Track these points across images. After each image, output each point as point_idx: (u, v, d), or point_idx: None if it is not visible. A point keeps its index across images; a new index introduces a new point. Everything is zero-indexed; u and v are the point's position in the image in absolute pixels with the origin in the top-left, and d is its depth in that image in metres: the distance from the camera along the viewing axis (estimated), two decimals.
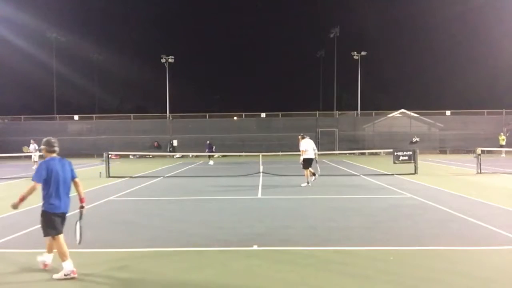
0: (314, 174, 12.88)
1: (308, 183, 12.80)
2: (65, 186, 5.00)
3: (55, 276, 4.77)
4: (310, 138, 13.35)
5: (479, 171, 15.97)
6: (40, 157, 20.83)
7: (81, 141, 33.67)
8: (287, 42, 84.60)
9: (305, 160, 12.71)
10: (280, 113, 35.04)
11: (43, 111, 41.48)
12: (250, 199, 10.43)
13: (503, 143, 28.01)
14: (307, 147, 12.77)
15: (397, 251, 5.68)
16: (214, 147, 26.16)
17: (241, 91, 74.74)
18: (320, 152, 13.72)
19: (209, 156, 24.83)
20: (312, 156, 12.81)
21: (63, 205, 4.96)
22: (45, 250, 5.27)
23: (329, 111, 43.23)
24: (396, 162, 16.69)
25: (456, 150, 30.49)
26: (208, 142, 25.66)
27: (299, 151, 27.79)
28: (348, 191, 11.60)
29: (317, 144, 31.08)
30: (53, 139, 5.24)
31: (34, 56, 49.00)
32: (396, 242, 6.16)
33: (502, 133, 28.85)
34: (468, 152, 29.57)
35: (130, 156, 31.37)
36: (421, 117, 33.99)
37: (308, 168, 12.76)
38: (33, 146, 24.04)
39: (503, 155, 27.70)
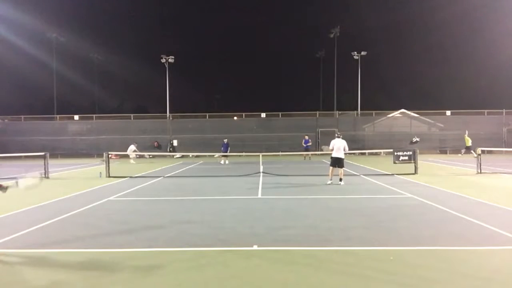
0: (340, 179, 13.10)
1: (329, 181, 13.10)
2: None
3: None
4: (332, 138, 13.82)
5: (479, 171, 15.97)
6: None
7: (81, 141, 33.66)
8: (287, 42, 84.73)
9: (331, 158, 13.35)
10: (280, 113, 35.03)
11: (43, 111, 41.53)
12: (250, 199, 10.43)
13: (469, 144, 27.55)
14: (333, 145, 13.30)
15: (397, 251, 5.68)
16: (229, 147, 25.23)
17: (241, 91, 74.87)
18: (320, 153, 13.83)
19: (224, 156, 24.70)
20: (337, 155, 13.11)
21: None
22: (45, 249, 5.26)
23: (329, 111, 43.24)
24: (396, 162, 16.68)
25: (456, 150, 30.45)
26: (225, 141, 25.04)
27: (299, 151, 27.88)
28: (348, 191, 11.59)
29: (317, 144, 31.36)
30: None
31: (34, 56, 49.04)
32: (396, 242, 6.15)
33: (466, 133, 28.26)
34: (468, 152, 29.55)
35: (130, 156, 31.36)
36: (421, 117, 33.98)
37: (333, 166, 13.19)
38: (133, 146, 26.37)
39: (464, 154, 27.58)
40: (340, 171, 13.12)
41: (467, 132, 27.97)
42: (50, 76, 45.98)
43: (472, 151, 27.43)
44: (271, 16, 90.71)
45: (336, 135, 13.72)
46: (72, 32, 52.55)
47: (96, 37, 62.54)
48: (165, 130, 33.95)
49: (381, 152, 30.48)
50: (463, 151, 28.14)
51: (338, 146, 13.12)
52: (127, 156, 27.74)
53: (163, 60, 38.17)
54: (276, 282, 4.58)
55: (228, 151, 24.84)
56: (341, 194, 11.11)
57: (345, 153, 13.30)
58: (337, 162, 13.13)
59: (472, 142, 27.41)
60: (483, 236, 6.46)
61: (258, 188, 12.52)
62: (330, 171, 13.25)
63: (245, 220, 7.92)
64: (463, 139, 28.76)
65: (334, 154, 13.17)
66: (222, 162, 24.31)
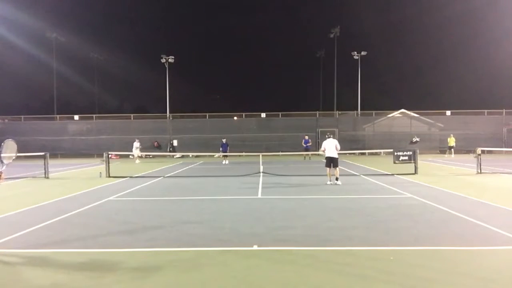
0: (336, 179, 13.08)
1: (328, 182, 13.12)
2: None
3: None
4: (323, 137, 13.84)
5: (479, 171, 15.97)
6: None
7: (81, 141, 33.66)
8: (287, 42, 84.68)
9: (325, 158, 13.36)
10: (280, 113, 35.02)
11: (43, 111, 41.52)
12: (250, 199, 10.43)
13: (453, 144, 28.70)
14: (324, 146, 13.30)
15: (397, 251, 5.68)
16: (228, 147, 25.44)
17: (241, 91, 74.91)
18: (320, 152, 13.84)
19: (224, 156, 24.84)
20: (330, 155, 13.12)
21: None
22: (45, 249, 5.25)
23: (329, 111, 43.23)
24: (396, 162, 16.68)
25: (456, 150, 30.51)
26: (224, 140, 25.20)
27: (299, 151, 28.07)
28: (348, 191, 11.59)
29: (317, 144, 31.34)
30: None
31: (34, 56, 49.13)
32: (396, 242, 6.15)
33: (452, 135, 29.19)
34: (468, 152, 29.61)
35: (130, 156, 31.34)
36: (421, 117, 33.97)
37: (328, 167, 13.20)
38: (137, 143, 26.77)
39: (452, 155, 28.61)
40: (336, 170, 13.12)
41: (451, 135, 29.14)
42: (50, 76, 46.01)
43: (450, 150, 28.64)
44: (271, 16, 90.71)
45: (327, 135, 13.76)
46: (72, 32, 52.63)
47: (96, 37, 62.65)
48: (165, 130, 33.95)
49: (381, 152, 30.49)
50: (448, 152, 28.97)
51: (330, 146, 13.17)
52: (127, 156, 27.78)
53: (163, 60, 38.17)
54: (276, 282, 4.58)
55: (228, 151, 24.94)
56: (341, 194, 11.11)
57: (338, 152, 13.29)
58: (331, 162, 13.14)
59: (470, 142, 27.98)
60: (483, 236, 6.46)
61: (258, 188, 12.51)
62: (327, 171, 13.27)
63: (245, 220, 7.92)
64: (463, 140, 28.91)
65: (327, 154, 13.22)
66: (224, 162, 24.44)
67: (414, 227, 7.08)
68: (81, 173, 18.87)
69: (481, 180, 14.05)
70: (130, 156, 31.22)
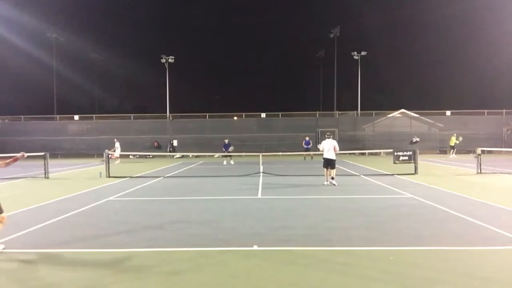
0: (332, 178, 12.94)
1: (325, 182, 13.05)
2: None
3: None
4: (323, 138, 13.86)
5: (479, 171, 15.97)
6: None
7: (81, 141, 33.66)
8: (287, 42, 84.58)
9: (323, 159, 13.18)
10: (280, 113, 35.01)
11: (43, 111, 41.43)
12: (250, 199, 10.43)
13: (453, 143, 28.96)
14: (323, 147, 13.15)
15: (397, 251, 5.68)
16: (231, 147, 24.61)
17: (241, 91, 74.80)
18: (320, 153, 13.78)
19: (226, 156, 24.61)
20: (327, 156, 12.94)
21: None
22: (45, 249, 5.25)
23: (329, 111, 43.22)
24: (396, 162, 16.68)
25: (457, 150, 30.54)
26: (226, 141, 24.70)
27: (299, 151, 28.00)
28: (348, 191, 11.59)
29: (317, 144, 31.37)
30: None
31: (34, 56, 49.01)
32: (396, 242, 6.16)
33: (455, 135, 29.33)
34: (468, 152, 29.63)
35: (130, 156, 31.35)
36: (421, 117, 33.97)
37: (325, 168, 13.07)
38: (117, 143, 26.90)
39: (453, 155, 28.89)
40: (332, 171, 12.93)
41: (455, 134, 29.31)
42: (50, 76, 45.95)
43: (452, 150, 28.93)
44: (271, 16, 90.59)
45: (327, 135, 13.53)
46: (72, 32, 52.44)
47: (96, 37, 62.56)
48: (165, 130, 33.94)
49: (381, 152, 30.50)
50: (452, 152, 29.07)
51: (328, 147, 12.94)
52: (127, 156, 27.82)
53: (163, 60, 38.18)
54: (276, 282, 4.58)
55: (230, 151, 24.56)
56: (341, 194, 11.11)
57: (337, 154, 13.04)
58: (328, 163, 12.96)
59: (470, 142, 28.14)
60: (483, 236, 6.46)
61: (258, 188, 12.52)
62: (325, 172, 13.15)
63: (245, 220, 7.92)
64: (463, 140, 28.92)
65: (325, 155, 13.02)
66: (224, 162, 24.21)
67: (414, 227, 7.08)
68: (81, 173, 18.88)
69: (481, 180, 14.06)
70: (130, 156, 31.25)
